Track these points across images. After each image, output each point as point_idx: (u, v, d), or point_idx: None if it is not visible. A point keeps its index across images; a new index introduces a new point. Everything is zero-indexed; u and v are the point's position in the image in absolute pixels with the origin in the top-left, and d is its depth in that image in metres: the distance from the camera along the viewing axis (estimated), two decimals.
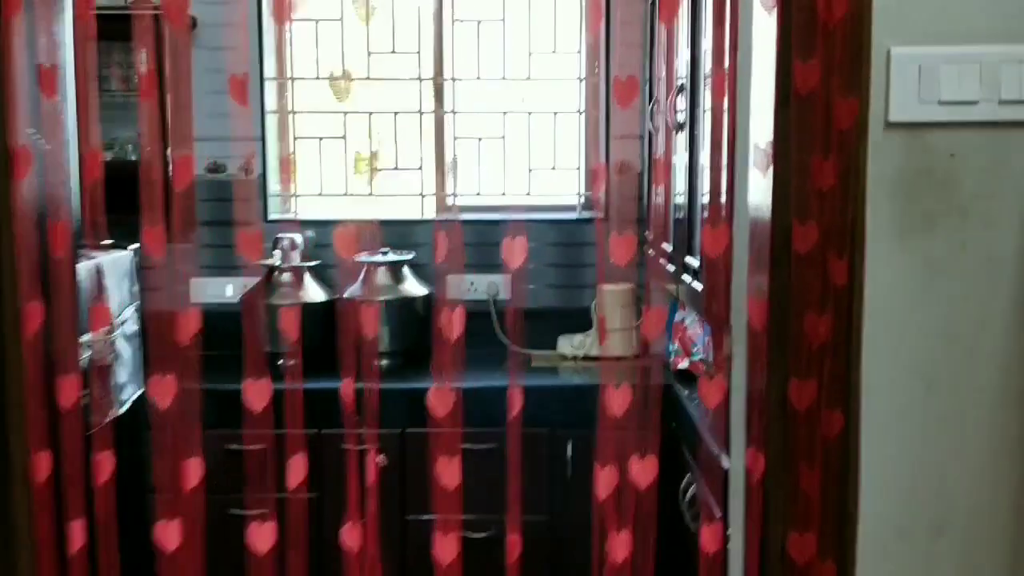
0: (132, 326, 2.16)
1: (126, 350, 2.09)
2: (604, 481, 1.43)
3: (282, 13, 3.64)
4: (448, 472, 1.41)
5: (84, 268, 1.90)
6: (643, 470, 1.43)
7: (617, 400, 1.43)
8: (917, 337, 1.42)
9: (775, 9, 1.37)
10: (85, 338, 1.82)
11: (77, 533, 1.41)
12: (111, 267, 2.05)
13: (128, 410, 1.79)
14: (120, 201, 1.57)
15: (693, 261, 2.62)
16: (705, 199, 2.50)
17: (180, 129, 3.46)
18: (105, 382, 1.94)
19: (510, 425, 1.45)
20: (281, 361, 3.50)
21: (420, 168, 3.69)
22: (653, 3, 3.26)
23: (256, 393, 1.45)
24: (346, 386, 1.40)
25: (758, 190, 1.43)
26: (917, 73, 1.39)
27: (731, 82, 2.02)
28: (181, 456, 1.36)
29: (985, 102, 1.40)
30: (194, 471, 1.41)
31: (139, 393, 2.07)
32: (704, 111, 2.49)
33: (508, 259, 1.42)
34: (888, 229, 1.41)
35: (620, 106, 1.50)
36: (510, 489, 1.55)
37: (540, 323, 3.58)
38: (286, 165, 1.72)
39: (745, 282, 2.23)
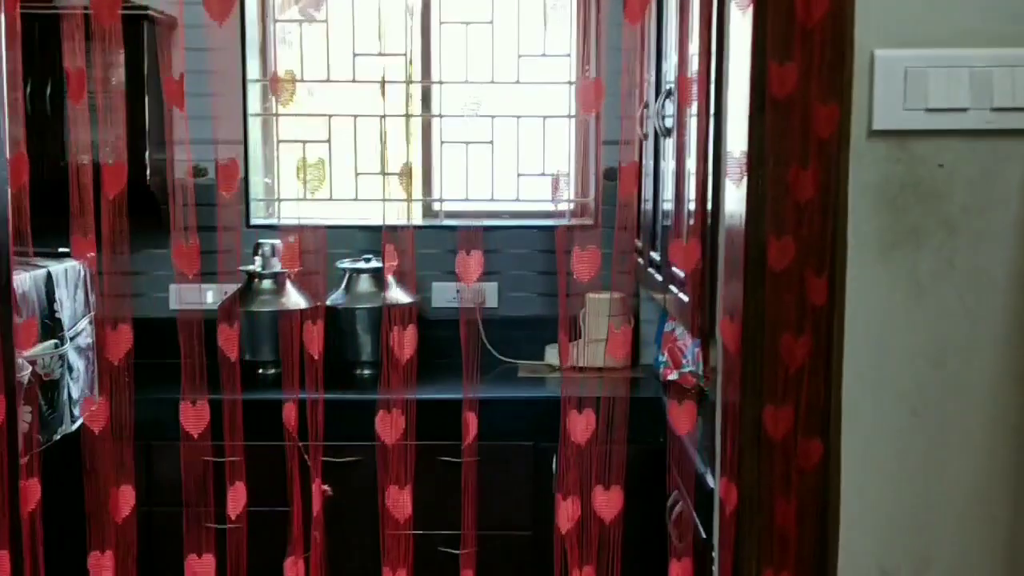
0: (86, 338, 2.06)
1: (79, 363, 1.99)
2: (565, 513, 1.33)
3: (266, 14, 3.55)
4: (398, 503, 1.31)
5: (30, 278, 1.80)
6: (608, 502, 1.33)
7: (580, 425, 1.33)
8: (902, 360, 1.32)
9: (750, 8, 1.27)
10: (32, 351, 1.73)
11: (2, 565, 1.31)
12: (63, 276, 1.95)
13: (82, 426, 1.69)
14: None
15: (679, 271, 2.51)
16: (692, 207, 2.40)
17: (161, 132, 3.38)
18: (53, 398, 1.85)
19: (466, 451, 1.35)
20: (260, 371, 3.44)
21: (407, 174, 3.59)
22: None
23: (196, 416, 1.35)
24: (288, 410, 1.30)
25: (732, 201, 1.34)
26: (903, 77, 1.29)
27: (702, 86, 1.93)
28: (112, 483, 1.27)
29: (976, 109, 1.30)
30: (125, 500, 1.31)
31: (96, 405, 1.98)
32: (690, 116, 2.39)
33: (463, 274, 1.32)
34: (871, 245, 1.31)
35: (583, 110, 1.40)
36: (464, 514, 1.45)
37: (528, 332, 3.48)
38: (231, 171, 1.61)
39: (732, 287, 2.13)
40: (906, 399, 1.33)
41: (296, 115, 3.65)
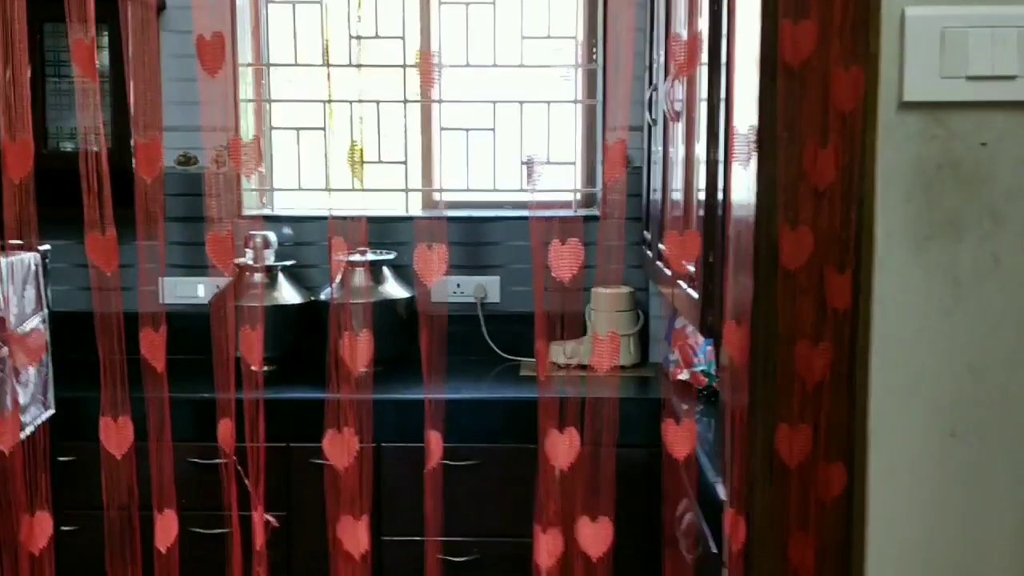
0: (38, 339, 1.88)
1: (28, 367, 1.81)
2: (546, 548, 1.13)
3: None
4: (352, 536, 1.11)
5: None
6: (595, 535, 1.13)
7: (562, 447, 1.13)
8: (938, 372, 1.11)
9: None
10: None
11: None
12: (8, 272, 1.77)
13: (30, 436, 1.51)
14: (79, 196, 1.35)
15: (690, 267, 2.30)
16: (702, 196, 2.19)
17: (146, 117, 3.20)
18: None
19: (427, 476, 1.15)
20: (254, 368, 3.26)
21: (405, 162, 3.40)
22: None
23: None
24: (223, 427, 1.11)
25: (739, 186, 1.13)
26: (939, 40, 1.08)
27: (713, 61, 1.73)
28: (25, 510, 1.08)
29: None
30: (42, 529, 1.12)
31: (46, 416, 1.79)
32: (701, 99, 2.18)
33: (423, 272, 1.12)
34: (901, 237, 1.10)
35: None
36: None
37: (531, 328, 3.27)
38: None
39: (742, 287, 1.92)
40: (943, 417, 1.12)
41: (291, 101, 3.46)
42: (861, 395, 1.10)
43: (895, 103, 1.09)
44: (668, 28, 2.66)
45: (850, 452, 1.10)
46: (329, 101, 3.39)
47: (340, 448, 1.16)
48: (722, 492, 1.94)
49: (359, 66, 3.40)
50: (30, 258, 1.88)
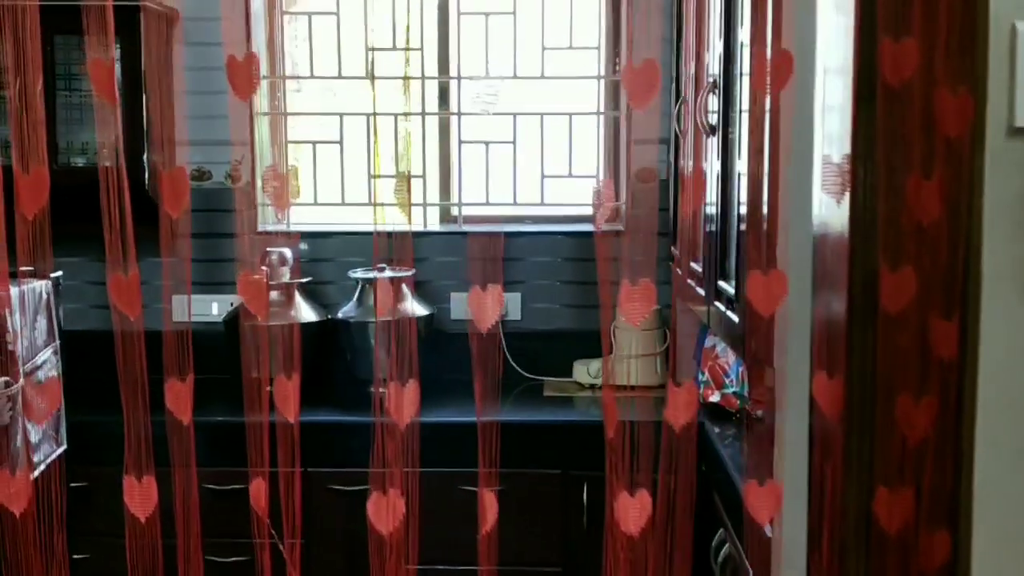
0: (50, 371, 1.75)
1: (40, 402, 1.68)
2: None
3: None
4: None
5: None
6: None
7: (632, 511, 1.00)
8: None
9: None
10: None
11: None
12: (17, 302, 1.64)
13: (42, 474, 1.39)
14: (92, 213, 1.24)
15: (727, 287, 2.17)
16: (742, 209, 2.06)
17: (163, 132, 3.08)
18: (1, 446, 1.54)
19: (482, 542, 1.02)
20: (270, 388, 3.13)
21: (423, 175, 3.27)
22: None
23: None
24: (256, 488, 0.98)
25: (830, 221, 1.00)
26: None
27: (777, 74, 1.60)
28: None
29: None
30: None
31: (58, 453, 1.66)
32: (741, 111, 2.06)
33: (478, 317, 0.99)
34: (1012, 278, 0.97)
35: (633, 103, 1.07)
36: None
37: (554, 346, 3.15)
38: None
39: (792, 312, 1.79)
40: None
41: (306, 114, 3.34)
42: (967, 455, 0.97)
43: (1005, 128, 0.96)
44: (700, 38, 2.53)
45: (954, 518, 0.97)
46: (343, 114, 3.26)
47: (385, 512, 1.03)
48: (767, 529, 1.81)
49: (374, 78, 3.27)
50: (42, 287, 1.75)
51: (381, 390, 1.23)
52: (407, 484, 1.06)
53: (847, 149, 0.95)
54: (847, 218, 0.95)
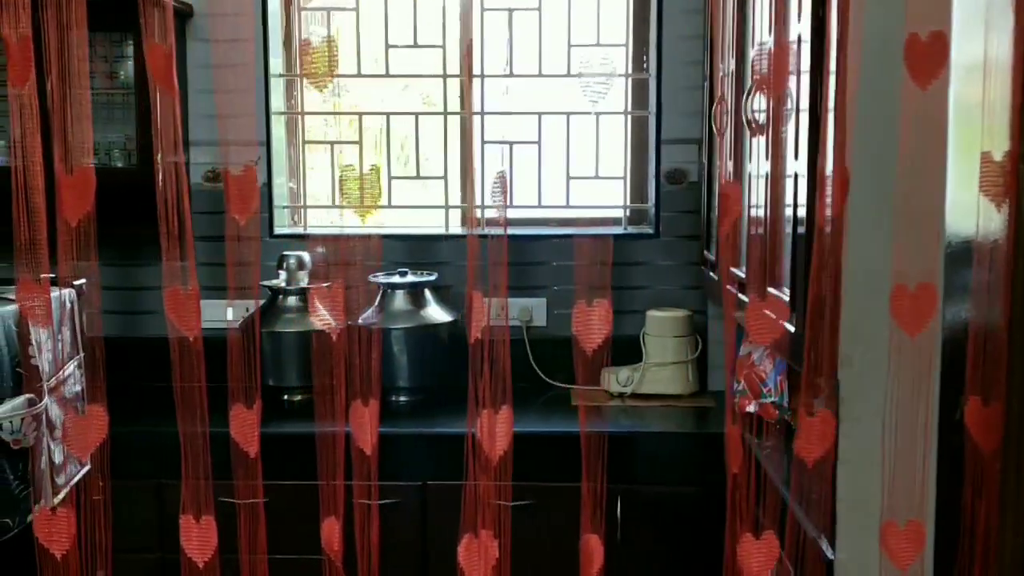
0: (74, 386, 1.61)
1: (63, 419, 1.53)
2: None
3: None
4: None
5: None
6: None
7: (757, 556, 0.87)
8: None
9: None
10: None
11: None
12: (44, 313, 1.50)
13: (66, 498, 1.26)
14: (103, 213, 1.13)
15: (779, 294, 2.04)
16: (800, 212, 1.94)
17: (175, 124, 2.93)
18: (25, 469, 1.40)
19: None
20: (286, 397, 2.99)
21: (444, 177, 3.14)
22: None
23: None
24: (328, 528, 0.84)
25: (988, 228, 0.87)
26: None
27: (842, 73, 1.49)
28: None
29: None
30: None
31: (82, 473, 1.51)
32: (798, 110, 1.93)
33: (583, 336, 0.86)
34: None
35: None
36: None
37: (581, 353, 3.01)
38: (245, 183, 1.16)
39: (857, 320, 1.66)
40: None
41: (324, 113, 3.20)
42: None
43: None
44: (742, 35, 2.40)
45: None
46: (360, 114, 3.13)
47: (477, 557, 0.89)
48: (828, 551, 1.69)
49: (394, 76, 3.14)
50: (66, 295, 1.60)
51: (472, 430, 1.08)
52: (499, 523, 0.93)
53: (1006, 146, 0.82)
54: (1007, 225, 0.82)
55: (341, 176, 1.18)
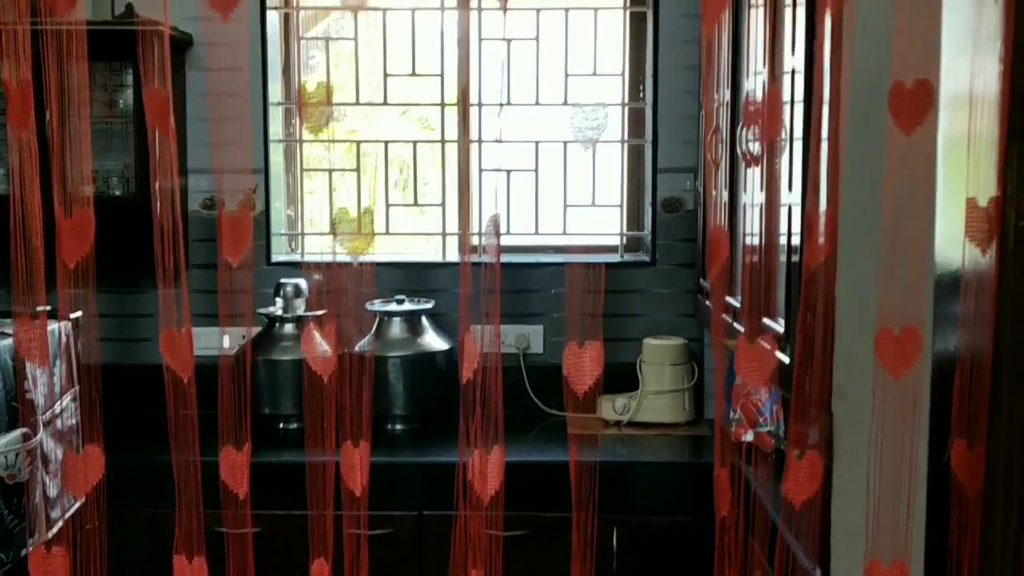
0: (70, 420, 1.61)
1: (58, 454, 1.54)
2: None
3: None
4: None
5: None
6: None
7: None
8: None
9: None
10: None
11: None
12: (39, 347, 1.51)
13: (60, 532, 1.27)
14: (100, 241, 1.15)
15: (775, 325, 2.06)
16: (795, 241, 1.96)
17: (170, 160, 2.95)
18: (20, 504, 1.41)
19: None
20: (282, 425, 3.00)
21: (442, 204, 3.16)
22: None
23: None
24: (318, 569, 0.85)
25: (974, 272, 0.88)
26: None
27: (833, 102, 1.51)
28: None
29: None
30: None
31: (75, 508, 1.52)
32: (792, 140, 1.95)
33: (574, 378, 0.87)
34: None
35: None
36: None
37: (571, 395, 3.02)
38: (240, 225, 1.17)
39: (851, 353, 1.67)
40: None
41: (322, 141, 3.22)
42: None
43: None
44: (738, 65, 2.43)
45: None
46: (358, 141, 3.15)
47: None
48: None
49: (392, 104, 3.17)
50: (62, 328, 1.62)
51: (465, 460, 1.09)
52: (490, 559, 0.94)
53: (993, 191, 0.84)
54: (993, 268, 0.83)
55: (335, 219, 1.19)
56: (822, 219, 1.66)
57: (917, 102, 0.87)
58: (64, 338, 1.65)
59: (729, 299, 2.50)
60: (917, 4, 0.91)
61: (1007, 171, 0.82)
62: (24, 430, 1.47)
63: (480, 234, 3.25)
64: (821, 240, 1.62)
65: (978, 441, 0.85)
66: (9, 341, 1.47)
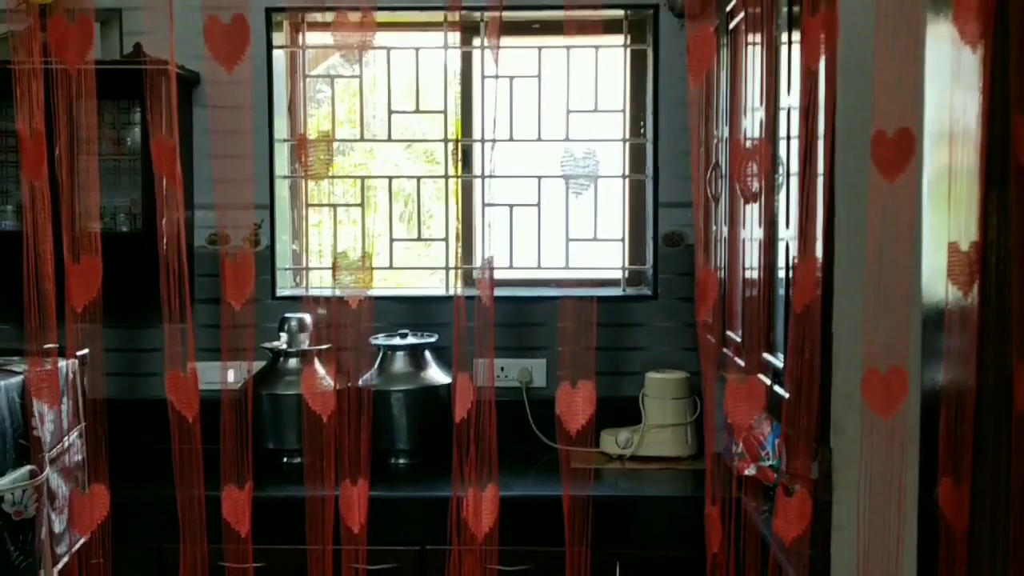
0: (76, 455, 1.64)
1: (64, 490, 1.57)
2: None
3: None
4: None
5: (2, 389, 1.39)
6: None
7: None
8: None
9: (980, 44, 0.86)
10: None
11: None
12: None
13: (64, 569, 1.29)
14: (106, 276, 1.17)
15: (774, 360, 2.08)
16: (783, 275, 1.99)
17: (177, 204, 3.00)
18: (25, 540, 1.43)
19: None
20: (285, 460, 3.01)
21: (445, 239, 3.20)
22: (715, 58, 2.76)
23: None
24: None
25: (956, 315, 0.91)
26: None
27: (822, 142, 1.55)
28: None
29: None
30: None
31: (81, 543, 1.54)
32: (788, 175, 1.99)
33: (566, 417, 0.90)
34: None
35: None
36: None
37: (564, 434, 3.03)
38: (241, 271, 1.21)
39: (849, 388, 1.70)
40: None
41: (327, 177, 3.26)
42: None
43: None
44: (735, 103, 2.47)
45: None
46: (363, 177, 3.20)
47: None
48: None
49: (396, 141, 3.22)
50: (68, 366, 1.65)
51: (460, 495, 1.11)
52: None
53: (974, 236, 0.87)
54: (975, 312, 0.86)
55: (335, 262, 1.23)
56: (819, 255, 1.69)
57: (899, 150, 0.90)
58: (71, 375, 1.68)
59: (730, 333, 2.53)
60: (898, 54, 0.94)
61: (987, 217, 0.85)
62: (31, 467, 1.49)
63: (483, 268, 3.29)
64: (818, 275, 1.66)
65: (963, 479, 0.88)
66: (17, 379, 1.50)
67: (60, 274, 1.10)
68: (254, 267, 1.17)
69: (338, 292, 1.31)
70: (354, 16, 1.15)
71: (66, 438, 1.62)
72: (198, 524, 1.10)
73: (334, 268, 1.24)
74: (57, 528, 1.57)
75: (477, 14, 3.06)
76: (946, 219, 0.89)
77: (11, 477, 1.47)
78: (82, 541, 1.68)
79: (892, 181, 0.92)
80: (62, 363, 1.61)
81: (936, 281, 0.91)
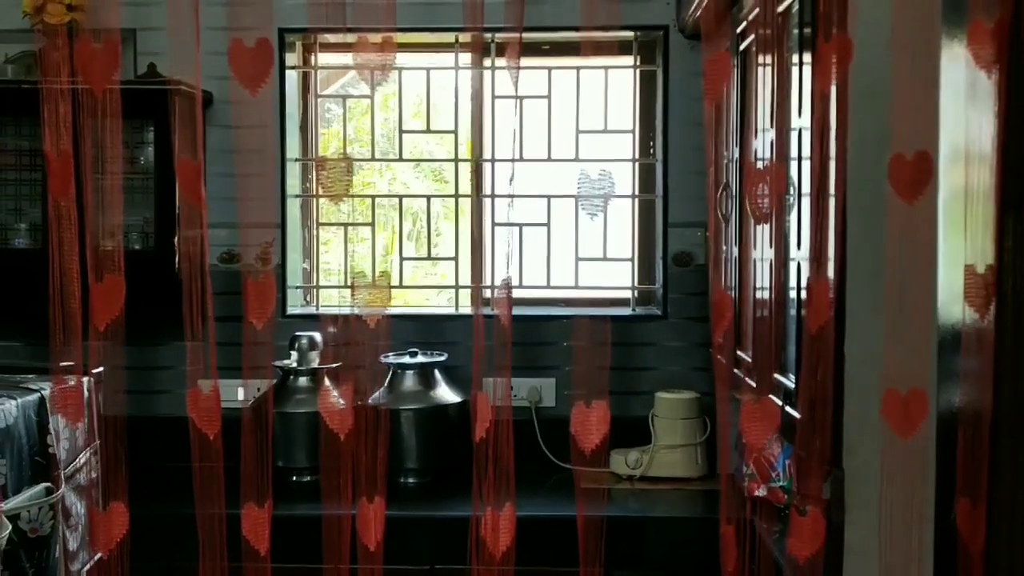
0: (90, 474, 1.65)
1: (79, 506, 1.58)
2: None
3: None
4: None
5: (17, 407, 1.40)
6: None
7: None
8: None
9: (995, 71, 0.88)
10: (15, 502, 1.32)
11: None
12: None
13: None
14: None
15: (785, 380, 2.09)
16: (795, 295, 2.00)
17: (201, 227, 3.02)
18: (41, 557, 1.44)
19: None
20: (295, 478, 3.02)
21: (455, 257, 3.21)
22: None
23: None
24: None
25: (974, 336, 0.92)
26: None
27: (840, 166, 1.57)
28: None
29: None
30: None
31: (94, 561, 1.55)
32: (800, 195, 2.00)
33: (581, 436, 0.91)
34: None
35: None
36: None
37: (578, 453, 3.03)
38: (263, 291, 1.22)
39: (861, 410, 1.70)
40: None
41: (338, 195, 3.28)
42: None
43: None
44: (746, 124, 2.49)
45: None
46: (374, 196, 3.22)
47: None
48: None
49: (407, 160, 3.24)
50: (84, 383, 1.66)
51: (478, 514, 1.12)
52: None
53: (990, 259, 0.88)
54: (992, 335, 0.87)
55: (353, 281, 1.24)
56: (831, 275, 1.70)
57: (918, 172, 0.92)
58: (86, 393, 1.69)
59: (740, 353, 2.53)
60: (916, 78, 0.96)
61: (1002, 240, 0.86)
62: (47, 484, 1.51)
63: (492, 287, 3.31)
64: (831, 295, 1.67)
65: (980, 499, 0.88)
66: (34, 397, 1.52)
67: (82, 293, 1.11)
68: (275, 287, 1.18)
69: (356, 310, 1.32)
70: (374, 38, 1.16)
71: (81, 456, 1.63)
72: (218, 542, 1.11)
73: (352, 286, 1.26)
74: (71, 546, 1.58)
75: (488, 35, 3.08)
76: (962, 242, 0.90)
77: (27, 494, 1.49)
78: (97, 558, 1.69)
79: (911, 203, 0.94)
80: (74, 381, 1.63)
81: (952, 303, 0.92)
